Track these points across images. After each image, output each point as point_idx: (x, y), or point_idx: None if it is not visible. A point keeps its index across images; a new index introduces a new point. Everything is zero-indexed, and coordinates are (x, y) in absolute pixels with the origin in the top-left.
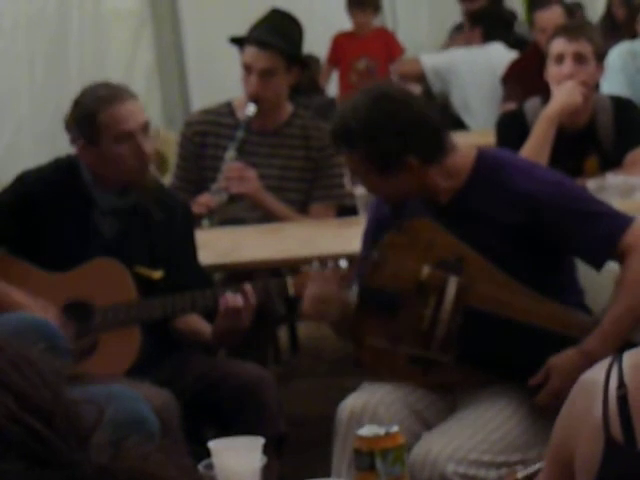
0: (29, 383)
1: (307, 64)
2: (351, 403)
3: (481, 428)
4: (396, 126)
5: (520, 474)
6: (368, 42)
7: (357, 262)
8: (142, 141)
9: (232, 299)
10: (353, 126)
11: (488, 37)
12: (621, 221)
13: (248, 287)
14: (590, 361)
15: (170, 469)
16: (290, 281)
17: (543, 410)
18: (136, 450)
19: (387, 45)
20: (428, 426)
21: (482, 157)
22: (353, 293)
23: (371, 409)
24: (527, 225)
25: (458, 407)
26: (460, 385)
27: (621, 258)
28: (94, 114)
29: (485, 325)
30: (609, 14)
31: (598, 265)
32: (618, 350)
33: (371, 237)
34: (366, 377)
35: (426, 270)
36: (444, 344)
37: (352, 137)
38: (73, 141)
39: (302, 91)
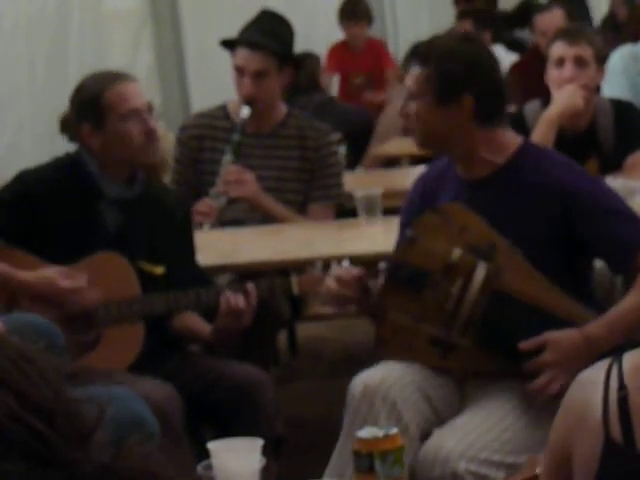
0: (30, 382)
1: (300, 64)
2: (366, 378)
3: (492, 427)
4: (470, 62)
5: (539, 469)
6: (361, 58)
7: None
8: (149, 119)
9: (234, 299)
10: (436, 46)
11: (493, 40)
12: None
13: (251, 287)
14: (589, 345)
15: (170, 468)
16: (295, 280)
17: (527, 381)
18: (137, 449)
19: (378, 58)
20: (438, 414)
21: (527, 144)
22: (382, 268)
23: (385, 387)
24: (559, 216)
25: (469, 403)
26: (476, 373)
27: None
28: (99, 95)
29: (508, 311)
30: (612, 15)
31: (616, 267)
32: (618, 347)
33: (407, 215)
34: (384, 357)
35: (457, 252)
36: (466, 326)
37: (427, 56)
38: (73, 137)
39: (302, 90)
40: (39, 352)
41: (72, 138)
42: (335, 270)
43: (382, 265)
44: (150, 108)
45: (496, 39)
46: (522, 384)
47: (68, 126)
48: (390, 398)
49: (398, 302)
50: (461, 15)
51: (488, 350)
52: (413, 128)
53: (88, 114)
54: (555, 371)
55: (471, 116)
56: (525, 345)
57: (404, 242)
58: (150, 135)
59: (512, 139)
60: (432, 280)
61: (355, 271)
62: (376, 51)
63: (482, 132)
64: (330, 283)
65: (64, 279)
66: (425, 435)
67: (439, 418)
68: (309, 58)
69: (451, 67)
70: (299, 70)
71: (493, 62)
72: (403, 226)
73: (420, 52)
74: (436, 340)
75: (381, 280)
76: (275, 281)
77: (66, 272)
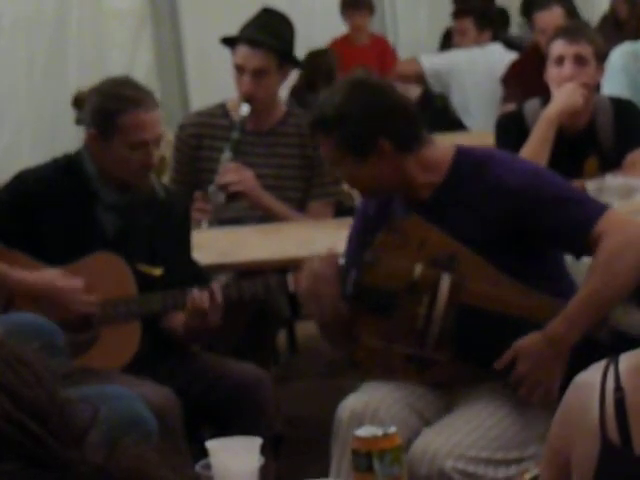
0: (24, 384)
1: (299, 63)
2: (352, 403)
3: (479, 425)
4: (368, 110)
5: (527, 475)
6: (364, 52)
7: (345, 264)
8: (153, 152)
9: (198, 298)
10: (327, 112)
11: (493, 38)
12: (596, 209)
13: (216, 287)
14: (553, 345)
15: (166, 469)
16: (291, 277)
17: (516, 395)
18: (132, 450)
19: (382, 54)
20: (428, 422)
21: (461, 152)
22: (347, 293)
23: (371, 410)
24: (508, 216)
25: (456, 404)
26: (456, 383)
27: (594, 245)
28: (115, 113)
29: (479, 322)
30: (612, 11)
31: (576, 252)
32: (591, 334)
33: (356, 240)
34: (363, 377)
35: (419, 268)
36: (439, 342)
37: (326, 123)
38: (80, 122)
39: (319, 87)
40: (34, 353)
41: (78, 122)
42: (311, 262)
43: (348, 289)
44: (159, 139)
45: (495, 38)
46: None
47: (80, 105)
48: (378, 419)
49: (368, 326)
50: (459, 13)
51: (464, 362)
52: (351, 186)
53: (99, 123)
54: (532, 378)
55: (394, 153)
56: (498, 364)
57: (365, 266)
58: (147, 168)
59: (443, 152)
60: (398, 300)
61: (333, 258)
62: (380, 47)
63: (411, 160)
64: (307, 278)
65: (62, 280)
66: None
67: (431, 425)
68: (326, 55)
69: (352, 126)
70: (315, 66)
71: (385, 91)
72: (352, 253)
73: (317, 122)
74: (411, 357)
75: (348, 305)
76: (271, 279)
77: (64, 274)
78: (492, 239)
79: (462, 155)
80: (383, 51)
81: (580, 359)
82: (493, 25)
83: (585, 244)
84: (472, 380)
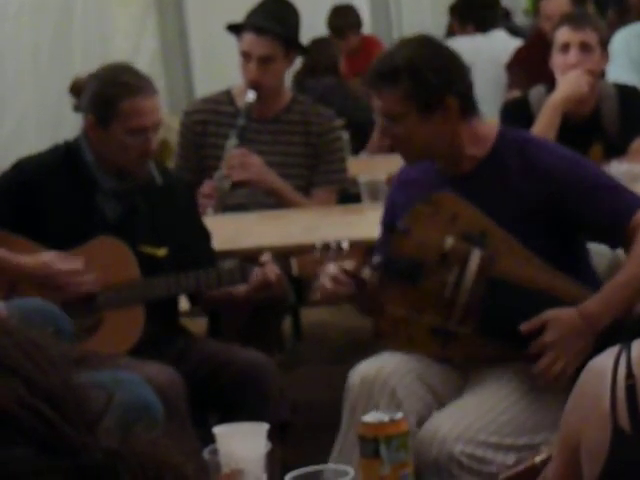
0: (38, 368)
1: (305, 49)
2: (363, 370)
3: (490, 409)
4: (440, 63)
5: (538, 458)
6: (358, 60)
7: (377, 242)
8: (151, 138)
9: (261, 272)
10: (398, 62)
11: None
12: (634, 199)
13: (270, 261)
14: (587, 322)
15: (178, 455)
16: (294, 262)
17: (529, 381)
18: (145, 435)
19: (369, 56)
20: (440, 400)
21: (505, 131)
22: (375, 262)
23: (383, 378)
24: (546, 199)
25: (468, 387)
26: (475, 361)
27: (632, 235)
28: (114, 99)
29: (506, 296)
30: None
31: (612, 241)
32: (618, 320)
33: (390, 215)
34: (383, 348)
35: (450, 241)
36: (464, 315)
37: (397, 73)
38: (77, 109)
39: (319, 72)
40: (47, 338)
41: (76, 109)
42: (329, 269)
43: (376, 259)
44: (158, 125)
45: (495, 25)
46: (524, 367)
47: (77, 92)
48: (389, 387)
49: (395, 295)
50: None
51: (488, 336)
52: (400, 148)
53: (98, 109)
54: (557, 350)
55: (457, 114)
56: (525, 327)
57: (397, 235)
58: (146, 154)
59: (489, 127)
60: (428, 271)
61: (348, 265)
62: (368, 50)
63: (466, 127)
64: (325, 282)
65: (61, 262)
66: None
67: (442, 404)
68: (329, 43)
69: (425, 76)
70: (319, 53)
71: (452, 51)
72: (385, 226)
73: (384, 72)
74: (436, 330)
75: (376, 274)
76: (275, 264)
77: (63, 256)
78: (525, 219)
79: (505, 133)
80: (372, 53)
81: (604, 345)
82: (474, 17)
83: (623, 234)
84: (489, 361)
